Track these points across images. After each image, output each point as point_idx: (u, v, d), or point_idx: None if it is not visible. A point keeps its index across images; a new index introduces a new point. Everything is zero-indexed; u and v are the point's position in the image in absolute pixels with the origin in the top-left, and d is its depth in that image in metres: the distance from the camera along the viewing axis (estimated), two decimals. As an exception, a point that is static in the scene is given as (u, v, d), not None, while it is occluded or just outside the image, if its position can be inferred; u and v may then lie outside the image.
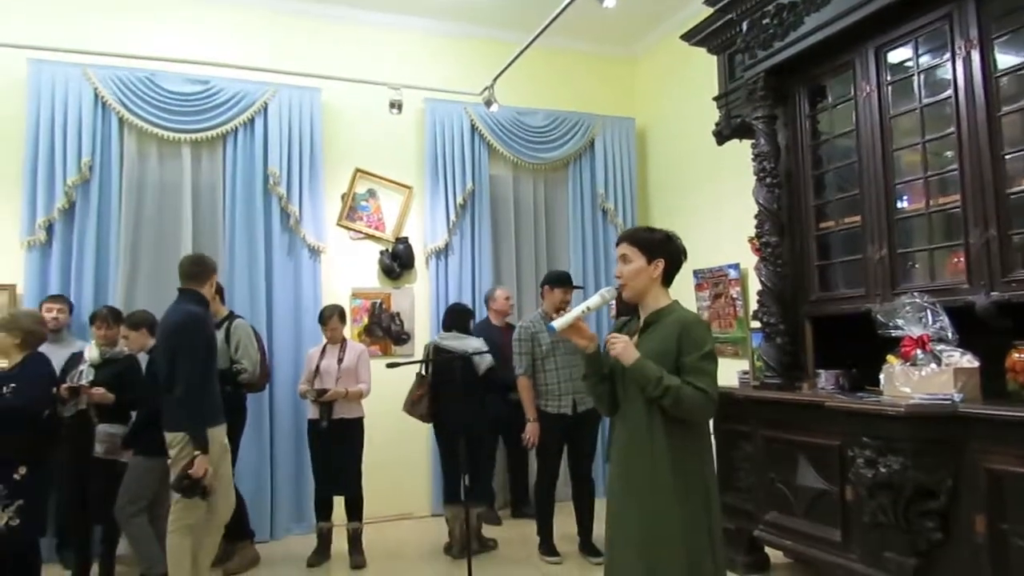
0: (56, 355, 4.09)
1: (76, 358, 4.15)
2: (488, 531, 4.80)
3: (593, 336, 2.31)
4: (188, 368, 3.43)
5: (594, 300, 2.30)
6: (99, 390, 3.90)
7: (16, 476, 3.23)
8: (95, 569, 4.09)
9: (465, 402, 4.38)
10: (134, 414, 3.98)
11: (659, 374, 2.15)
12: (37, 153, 4.70)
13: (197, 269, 3.70)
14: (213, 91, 5.11)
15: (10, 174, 4.72)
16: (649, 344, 2.25)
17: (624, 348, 2.22)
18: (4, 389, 3.29)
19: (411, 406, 4.58)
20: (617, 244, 2.39)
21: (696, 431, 2.26)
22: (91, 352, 4.08)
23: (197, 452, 3.39)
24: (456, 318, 4.68)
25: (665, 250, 2.32)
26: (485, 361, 4.44)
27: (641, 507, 2.21)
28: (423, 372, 4.61)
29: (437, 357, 4.50)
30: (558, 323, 2.25)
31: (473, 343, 4.51)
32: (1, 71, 4.74)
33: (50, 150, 4.73)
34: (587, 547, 4.33)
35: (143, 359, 4.08)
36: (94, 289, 4.76)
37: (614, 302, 2.77)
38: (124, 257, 4.85)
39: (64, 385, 3.84)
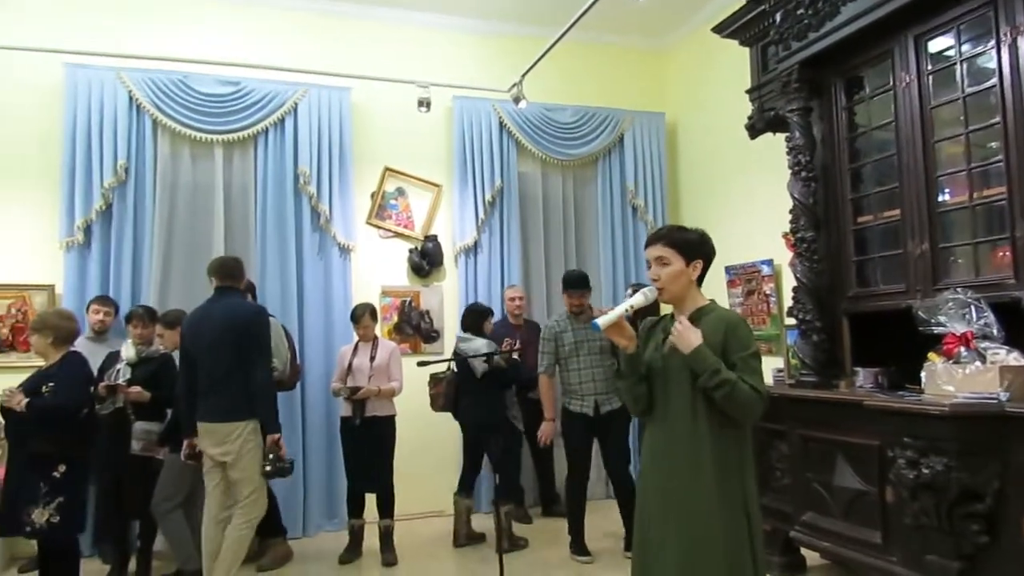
0: (102, 356, 4.17)
1: (113, 357, 4.22)
2: (519, 530, 4.78)
3: (633, 336, 2.26)
4: (267, 358, 3.67)
5: (637, 299, 2.24)
6: (135, 388, 3.96)
7: (56, 474, 3.29)
8: (132, 564, 4.16)
9: (474, 402, 4.54)
10: (169, 412, 4.04)
11: (717, 365, 2.11)
12: (74, 155, 4.80)
13: (234, 270, 3.80)
14: (244, 92, 5.17)
15: (49, 176, 4.82)
16: None
17: (685, 333, 2.15)
18: (43, 388, 3.35)
19: (432, 403, 4.75)
20: (649, 245, 2.31)
21: (740, 433, 2.21)
22: (127, 351, 4.14)
23: (277, 435, 3.58)
24: (470, 319, 4.74)
25: (702, 251, 2.28)
26: (482, 365, 4.47)
27: (681, 510, 2.16)
28: (442, 372, 4.75)
29: (455, 358, 4.59)
30: (602, 321, 2.20)
31: (476, 344, 4.54)
32: (39, 76, 4.85)
33: (87, 152, 4.82)
34: (630, 547, 4.28)
35: (178, 357, 4.13)
36: (131, 289, 4.85)
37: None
38: (158, 257, 4.92)
39: (102, 383, 3.92)
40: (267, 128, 5.21)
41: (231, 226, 5.17)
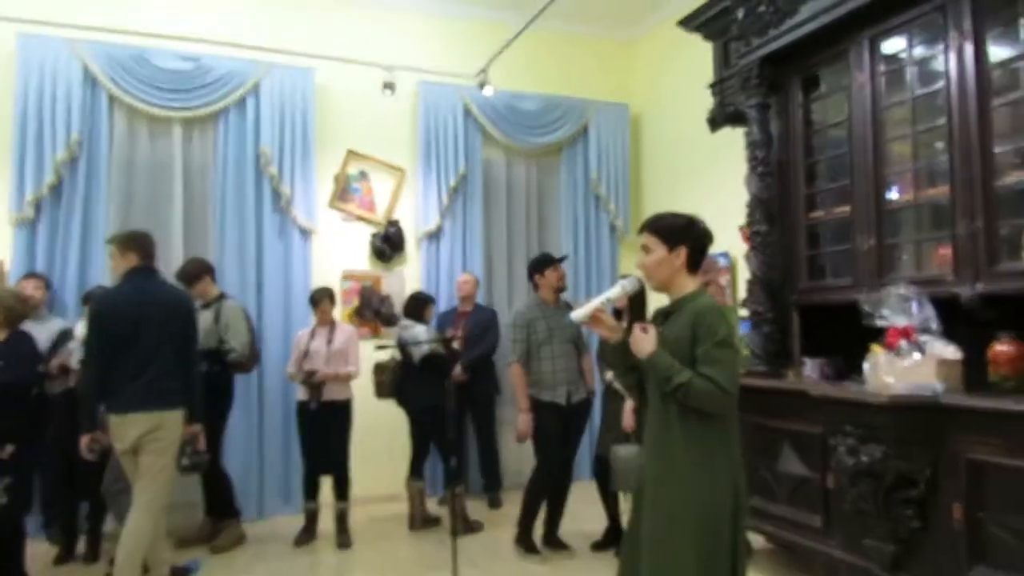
0: (33, 332, 4.05)
1: (66, 335, 4.13)
2: (479, 514, 4.83)
3: (614, 326, 2.24)
4: (197, 347, 3.54)
5: (614, 291, 2.23)
6: (87, 368, 3.88)
7: (3, 455, 3.23)
8: (81, 546, 4.10)
9: (415, 387, 4.63)
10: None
11: (668, 373, 2.08)
12: (26, 129, 4.65)
13: (152, 248, 3.48)
14: (204, 69, 5.05)
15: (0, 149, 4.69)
16: (668, 334, 2.18)
17: (636, 340, 2.14)
18: (-9, 366, 3.28)
19: (377, 391, 4.78)
20: (638, 233, 2.29)
21: (715, 419, 2.14)
22: (81, 330, 4.06)
23: (199, 426, 3.45)
24: (412, 306, 4.83)
25: (687, 236, 2.21)
26: (419, 351, 4.53)
27: (657, 497, 2.15)
28: (385, 360, 4.78)
29: (397, 344, 4.63)
30: (577, 315, 2.17)
31: (416, 331, 4.62)
32: (-10, 45, 4.69)
33: (39, 126, 4.67)
34: (551, 540, 4.14)
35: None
36: (81, 268, 4.72)
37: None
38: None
39: (54, 361, 3.84)
40: (228, 107, 5.12)
41: (189, 206, 5.07)
